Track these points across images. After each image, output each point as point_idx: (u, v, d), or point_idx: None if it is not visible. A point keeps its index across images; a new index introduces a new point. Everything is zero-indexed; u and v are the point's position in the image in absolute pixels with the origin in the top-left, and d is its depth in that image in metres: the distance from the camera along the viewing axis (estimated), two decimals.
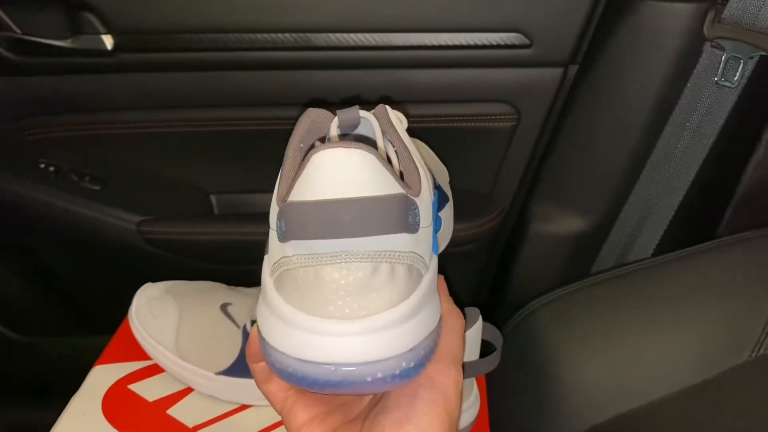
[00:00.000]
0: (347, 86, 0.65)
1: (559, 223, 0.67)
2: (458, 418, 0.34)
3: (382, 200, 0.28)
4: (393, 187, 0.29)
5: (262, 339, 0.29)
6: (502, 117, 0.65)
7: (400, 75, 0.64)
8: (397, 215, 0.29)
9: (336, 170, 0.28)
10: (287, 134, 0.68)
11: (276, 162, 0.73)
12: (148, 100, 0.66)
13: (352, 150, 0.28)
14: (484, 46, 0.61)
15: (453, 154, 0.69)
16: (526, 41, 0.60)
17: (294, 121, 0.66)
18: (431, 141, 0.68)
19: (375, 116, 0.35)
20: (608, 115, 0.62)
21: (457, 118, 0.66)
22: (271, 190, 0.79)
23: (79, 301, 0.83)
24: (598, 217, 0.65)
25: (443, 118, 0.66)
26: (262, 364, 0.36)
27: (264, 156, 0.71)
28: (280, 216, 0.29)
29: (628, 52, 0.60)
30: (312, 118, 0.36)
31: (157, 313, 0.53)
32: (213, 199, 0.74)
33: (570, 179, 0.66)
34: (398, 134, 0.35)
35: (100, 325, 0.81)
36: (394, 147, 0.35)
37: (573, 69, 0.63)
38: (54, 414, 0.83)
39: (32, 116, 0.68)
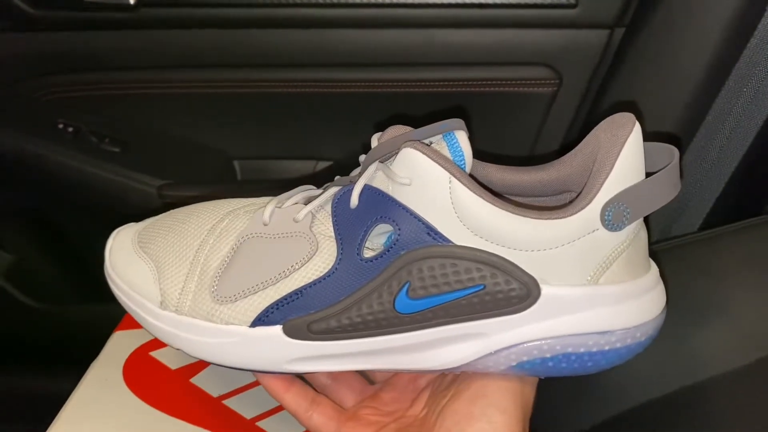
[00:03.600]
0: (379, 47, 0.62)
1: None
2: (531, 396, 0.34)
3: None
4: None
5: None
6: (543, 82, 0.62)
7: (436, 35, 0.61)
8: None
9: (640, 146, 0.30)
10: (313, 97, 0.66)
11: (302, 127, 0.71)
12: (171, 58, 0.64)
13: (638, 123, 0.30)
14: (525, 5, 0.58)
15: (489, 121, 0.66)
16: (571, 0, 0.57)
17: (322, 83, 0.64)
18: (467, 106, 0.65)
19: None
20: (656, 82, 0.58)
21: (494, 82, 0.63)
22: (296, 156, 0.75)
23: (97, 268, 0.81)
24: None
25: (480, 82, 0.63)
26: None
27: (289, 121, 0.69)
28: (615, 205, 0.29)
29: (681, 13, 0.56)
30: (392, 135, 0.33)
31: None
32: (236, 164, 0.72)
33: None
34: None
35: None
36: None
37: (619, 32, 0.60)
38: (71, 382, 0.82)
39: (51, 74, 0.66)
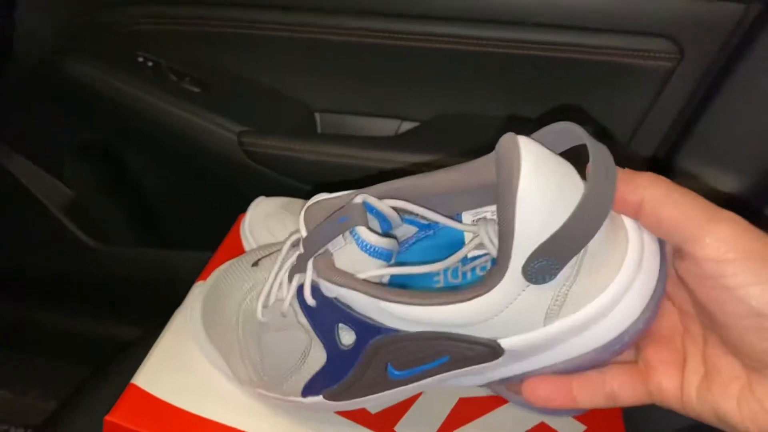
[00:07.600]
0: (487, 3, 0.57)
1: (707, 183, 0.59)
2: None
3: None
4: None
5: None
6: (662, 55, 0.57)
7: None
8: None
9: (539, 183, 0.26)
10: (405, 51, 0.62)
11: (389, 83, 0.66)
12: None
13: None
14: None
15: (595, 91, 0.61)
16: None
17: (417, 36, 0.60)
18: (575, 73, 0.61)
19: None
20: None
21: (606, 50, 0.58)
22: (380, 114, 0.70)
23: (163, 213, 0.78)
24: (758, 179, 0.57)
25: (590, 49, 0.59)
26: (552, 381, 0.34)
27: (376, 75, 0.65)
28: (534, 264, 0.27)
29: None
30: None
31: (273, 230, 0.47)
32: (317, 116, 0.68)
33: (731, 134, 0.58)
34: None
35: (184, 240, 0.77)
36: None
37: (755, 8, 0.55)
38: (128, 325, 0.80)
39: (136, 4, 0.62)
